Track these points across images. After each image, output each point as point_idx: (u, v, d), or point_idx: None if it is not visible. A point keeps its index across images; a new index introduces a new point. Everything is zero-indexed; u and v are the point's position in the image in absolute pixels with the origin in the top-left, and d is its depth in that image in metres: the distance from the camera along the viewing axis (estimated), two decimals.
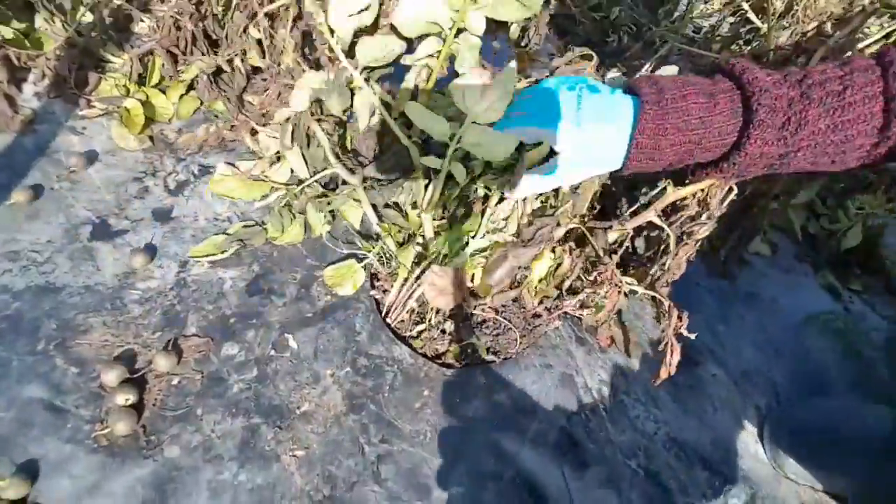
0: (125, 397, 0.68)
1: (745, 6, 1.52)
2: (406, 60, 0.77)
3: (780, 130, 0.55)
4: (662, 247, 0.80)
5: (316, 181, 0.89)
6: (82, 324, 0.74)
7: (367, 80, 0.77)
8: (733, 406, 0.89)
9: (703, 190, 0.69)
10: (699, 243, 0.74)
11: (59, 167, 0.92)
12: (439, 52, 0.73)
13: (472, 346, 0.80)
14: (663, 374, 0.71)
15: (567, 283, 0.80)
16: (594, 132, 0.59)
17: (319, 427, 0.71)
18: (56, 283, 0.78)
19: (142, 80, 1.08)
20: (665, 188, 0.68)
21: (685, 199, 0.70)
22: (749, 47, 1.48)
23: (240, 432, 0.69)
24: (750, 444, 0.87)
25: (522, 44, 1.53)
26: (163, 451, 0.67)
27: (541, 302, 0.82)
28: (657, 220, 0.68)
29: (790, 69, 0.59)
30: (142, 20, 1.16)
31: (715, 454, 0.82)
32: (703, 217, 0.69)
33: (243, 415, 0.70)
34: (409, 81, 0.77)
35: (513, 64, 0.66)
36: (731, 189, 0.69)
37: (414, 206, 0.79)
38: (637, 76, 0.64)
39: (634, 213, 0.70)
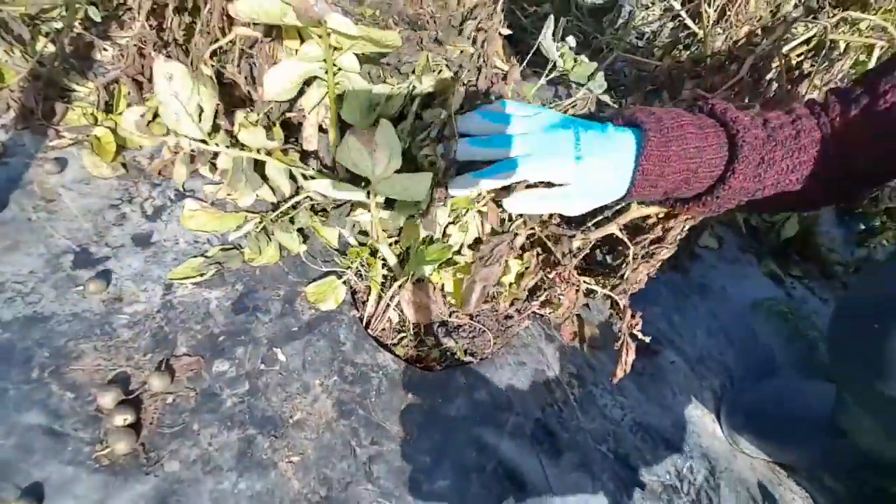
0: (123, 418, 0.71)
1: (683, 13, 1.63)
2: (302, 105, 0.82)
3: (756, 167, 0.61)
4: (625, 259, 0.87)
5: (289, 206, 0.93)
6: (74, 350, 0.77)
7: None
8: (691, 390, 0.97)
9: (665, 214, 0.76)
10: (661, 263, 0.80)
11: (33, 198, 0.93)
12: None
13: (451, 350, 0.86)
14: (619, 374, 0.77)
15: (531, 284, 0.86)
16: (597, 165, 0.62)
17: (312, 433, 0.75)
18: (44, 312, 0.80)
19: (108, 108, 1.10)
20: (629, 204, 0.75)
21: (649, 219, 0.77)
22: (688, 52, 1.59)
23: (236, 443, 0.73)
24: (708, 423, 0.95)
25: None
26: (163, 467, 0.70)
27: (512, 304, 0.88)
28: (619, 234, 0.75)
29: (752, 111, 0.66)
30: (104, 48, 1.18)
31: (676, 434, 0.89)
32: (667, 240, 0.76)
33: (238, 427, 0.74)
34: (309, 125, 0.81)
35: (385, 123, 0.69)
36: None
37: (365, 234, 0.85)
38: (629, 107, 0.68)
39: (598, 225, 0.77)
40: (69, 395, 0.73)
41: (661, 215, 0.76)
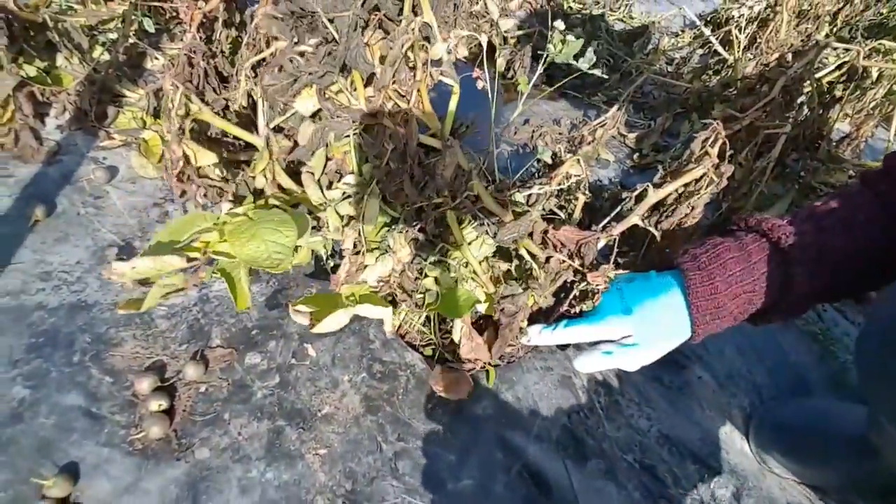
0: (158, 404, 0.73)
1: (713, 40, 1.65)
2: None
3: (817, 263, 0.61)
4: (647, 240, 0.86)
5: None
6: (114, 337, 0.79)
7: None
8: (719, 405, 0.96)
9: (688, 191, 0.76)
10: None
11: (83, 194, 0.97)
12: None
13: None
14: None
15: (555, 288, 0.86)
16: (649, 311, 0.64)
17: (340, 427, 0.76)
18: (87, 300, 0.83)
19: (156, 113, 1.15)
20: (645, 190, 0.75)
21: (669, 200, 0.78)
22: (718, 77, 1.60)
23: (265, 434, 0.74)
24: (736, 440, 0.93)
25: (508, 77, 1.64)
26: (194, 453, 0.71)
27: (539, 310, 0.88)
28: (642, 224, 0.75)
29: (792, 212, 0.67)
30: (155, 58, 1.24)
31: (704, 449, 0.88)
32: (694, 213, 0.76)
33: (268, 418, 0.75)
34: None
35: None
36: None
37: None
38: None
39: (619, 218, 0.77)
40: (108, 380, 0.75)
41: (680, 191, 0.76)
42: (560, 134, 1.39)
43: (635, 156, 1.44)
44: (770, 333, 1.11)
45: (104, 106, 1.11)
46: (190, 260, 0.74)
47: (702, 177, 0.74)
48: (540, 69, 1.12)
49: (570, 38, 1.01)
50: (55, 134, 1.06)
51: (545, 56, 1.07)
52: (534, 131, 1.39)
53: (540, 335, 0.71)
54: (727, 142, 0.73)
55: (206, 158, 0.87)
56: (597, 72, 1.02)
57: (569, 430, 0.82)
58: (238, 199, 0.95)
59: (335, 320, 0.77)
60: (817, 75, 1.34)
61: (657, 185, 0.75)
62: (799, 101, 1.30)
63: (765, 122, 1.15)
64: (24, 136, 1.01)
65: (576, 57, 1.04)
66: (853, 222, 0.62)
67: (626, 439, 0.84)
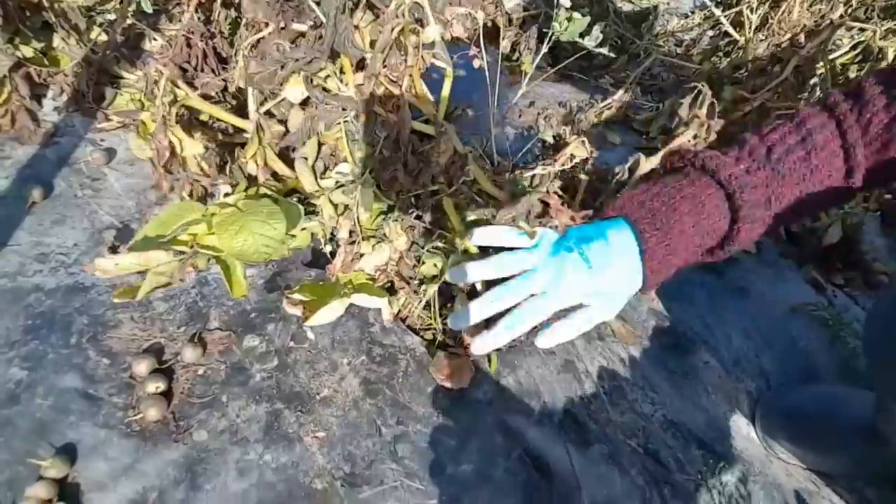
0: (155, 386, 0.72)
1: (723, 20, 1.61)
2: None
3: (764, 210, 0.61)
4: None
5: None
6: (111, 319, 0.79)
7: None
8: (726, 391, 0.94)
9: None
10: None
11: (80, 176, 0.96)
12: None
13: None
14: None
15: None
16: (609, 277, 0.62)
17: (338, 411, 0.75)
18: (85, 282, 0.82)
19: (154, 95, 1.14)
20: (637, 161, 0.74)
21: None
22: (728, 59, 1.57)
23: (264, 417, 0.73)
24: (742, 426, 0.92)
25: (513, 58, 1.61)
26: (192, 435, 0.71)
27: None
28: None
29: (751, 142, 0.64)
30: (153, 39, 1.22)
31: (709, 434, 0.87)
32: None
33: (266, 401, 0.75)
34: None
35: None
36: None
37: None
38: (622, 197, 0.66)
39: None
40: (105, 362, 0.75)
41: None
42: (565, 116, 1.37)
43: (642, 138, 1.41)
44: (778, 319, 1.09)
45: (102, 87, 1.09)
46: (177, 253, 0.73)
47: (693, 138, 0.73)
48: (545, 48, 1.09)
49: (576, 15, 0.98)
50: (52, 115, 1.05)
51: (550, 34, 1.05)
52: (538, 113, 1.37)
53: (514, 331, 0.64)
54: (715, 102, 0.72)
55: (193, 147, 0.84)
56: (603, 50, 1.00)
57: (571, 414, 0.81)
58: (231, 187, 0.93)
59: (329, 312, 0.75)
60: (831, 56, 1.31)
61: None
62: (812, 82, 1.27)
63: (776, 103, 1.12)
64: (20, 118, 1.00)
65: (581, 35, 1.01)
66: (809, 166, 0.61)
67: (629, 424, 0.83)
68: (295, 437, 0.72)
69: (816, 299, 1.16)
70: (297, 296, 0.78)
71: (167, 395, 0.73)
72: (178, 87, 0.82)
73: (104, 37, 1.15)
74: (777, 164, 0.61)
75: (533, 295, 0.63)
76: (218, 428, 0.72)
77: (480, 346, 0.64)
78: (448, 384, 0.79)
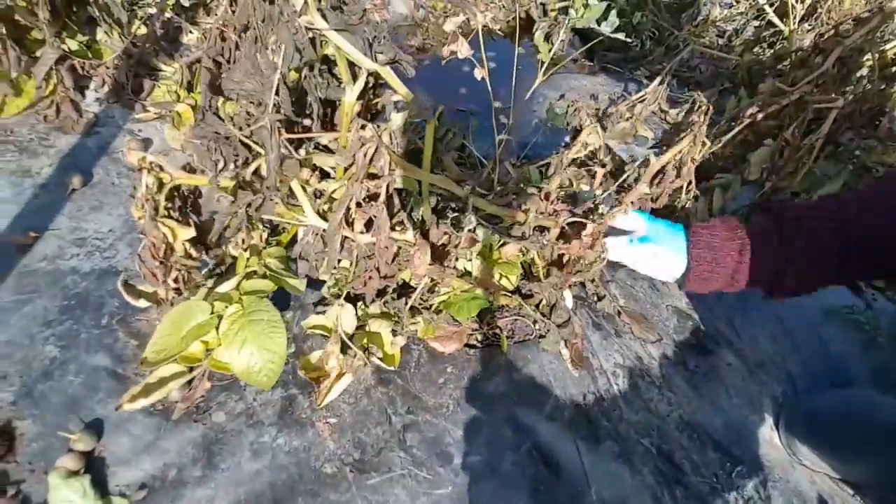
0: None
1: (768, 9, 1.55)
2: None
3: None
4: None
5: None
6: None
7: None
8: (748, 394, 0.92)
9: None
10: None
11: (118, 165, 1.01)
12: None
13: (493, 330, 0.85)
14: None
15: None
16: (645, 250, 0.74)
17: (350, 398, 0.77)
18: (118, 266, 0.86)
19: (190, 87, 1.18)
20: (647, 159, 0.73)
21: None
22: (772, 50, 1.51)
23: (279, 401, 0.76)
24: (764, 430, 0.89)
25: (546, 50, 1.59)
26: (210, 417, 0.74)
27: (547, 274, 0.85)
28: (648, 190, 0.74)
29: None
30: (190, 31, 1.26)
31: (727, 437, 0.85)
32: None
33: (282, 386, 0.77)
34: None
35: None
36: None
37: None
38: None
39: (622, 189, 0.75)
40: (133, 343, 0.78)
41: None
42: (596, 110, 1.35)
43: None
44: (809, 322, 1.05)
45: (140, 79, 1.14)
46: (192, 368, 0.73)
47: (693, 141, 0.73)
48: (562, 35, 1.07)
49: (592, 1, 0.96)
50: (94, 106, 1.10)
51: (566, 20, 1.03)
52: (568, 106, 1.35)
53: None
54: (710, 108, 0.78)
55: (185, 234, 0.76)
56: (620, 35, 0.98)
57: (583, 410, 0.81)
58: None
59: (340, 387, 0.76)
60: (884, 47, 1.24)
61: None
62: (858, 74, 1.21)
63: (816, 96, 1.07)
64: (65, 108, 1.05)
65: (598, 21, 1.00)
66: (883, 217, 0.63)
67: (643, 423, 0.82)
68: (307, 422, 0.74)
69: (853, 302, 1.11)
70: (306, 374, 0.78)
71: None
72: (163, 171, 0.73)
73: (144, 30, 1.20)
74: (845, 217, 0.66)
75: None
76: (235, 410, 0.74)
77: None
78: (436, 344, 0.81)
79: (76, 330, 0.78)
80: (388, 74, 0.64)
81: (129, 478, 0.67)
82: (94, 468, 0.67)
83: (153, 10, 1.23)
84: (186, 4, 1.20)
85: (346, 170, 0.69)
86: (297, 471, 0.70)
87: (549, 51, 1.21)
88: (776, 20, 1.60)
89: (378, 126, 0.62)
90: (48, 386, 0.73)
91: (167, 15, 1.22)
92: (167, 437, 0.71)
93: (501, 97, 1.40)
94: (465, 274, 0.79)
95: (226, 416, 0.74)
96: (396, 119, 0.65)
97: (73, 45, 1.10)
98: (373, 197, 0.64)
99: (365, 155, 0.59)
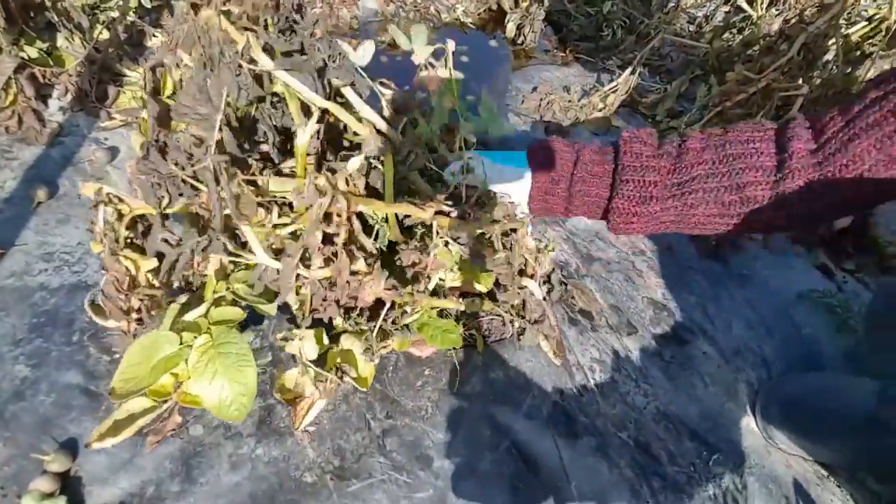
0: None
1: None
2: None
3: (657, 159, 0.68)
4: None
5: None
6: None
7: None
8: (724, 381, 0.93)
9: None
10: None
11: (84, 175, 0.99)
12: None
13: (469, 331, 0.86)
14: None
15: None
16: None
17: (329, 405, 0.77)
18: (87, 280, 0.85)
19: (156, 92, 1.15)
20: None
21: None
22: (741, 36, 1.52)
23: (257, 412, 0.75)
24: (741, 416, 0.91)
25: (518, 42, 1.58)
26: (188, 430, 0.73)
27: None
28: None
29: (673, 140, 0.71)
30: (154, 35, 1.24)
31: (703, 426, 0.86)
32: None
33: (259, 395, 0.77)
34: None
35: None
36: None
37: None
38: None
39: None
40: (105, 359, 0.77)
41: None
42: (569, 102, 1.35)
43: (648, 122, 1.38)
44: (782, 307, 1.07)
45: (104, 86, 1.11)
46: (161, 401, 0.70)
47: None
48: (534, 27, 1.07)
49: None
50: (58, 115, 1.07)
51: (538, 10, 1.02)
52: (541, 100, 1.35)
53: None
54: None
55: (148, 265, 0.72)
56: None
57: (560, 407, 0.81)
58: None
59: (316, 410, 0.76)
60: (850, 30, 1.26)
61: None
62: (824, 59, 1.22)
63: (782, 83, 1.08)
64: (27, 119, 1.02)
65: None
66: (724, 149, 0.64)
67: (620, 416, 0.83)
68: (286, 432, 0.74)
69: (825, 286, 1.13)
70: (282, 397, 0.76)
71: None
72: (122, 202, 0.69)
73: (106, 34, 1.17)
74: (681, 152, 0.66)
75: None
76: (213, 423, 0.74)
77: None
78: (413, 349, 0.81)
79: (46, 348, 0.77)
80: (340, 112, 0.63)
81: (107, 497, 0.66)
82: (70, 489, 0.66)
83: (115, 14, 1.20)
84: (149, 6, 1.18)
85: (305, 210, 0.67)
86: (278, 480, 0.70)
87: (521, 42, 1.20)
88: (745, 5, 1.61)
89: (334, 173, 0.61)
90: (19, 406, 0.72)
91: (130, 18, 1.20)
92: (144, 453, 0.71)
93: (474, 91, 1.40)
94: (436, 294, 0.77)
95: (203, 428, 0.74)
96: (353, 163, 0.62)
97: (32, 52, 1.07)
98: (330, 239, 0.62)
99: (320, 206, 0.58)
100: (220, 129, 0.56)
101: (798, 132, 0.61)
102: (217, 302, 0.72)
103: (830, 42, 1.15)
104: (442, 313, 0.80)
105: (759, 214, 0.64)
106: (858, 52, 1.25)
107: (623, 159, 0.69)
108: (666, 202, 0.68)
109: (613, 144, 0.73)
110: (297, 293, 0.68)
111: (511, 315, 0.83)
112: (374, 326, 0.73)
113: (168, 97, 1.14)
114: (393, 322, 0.75)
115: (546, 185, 0.76)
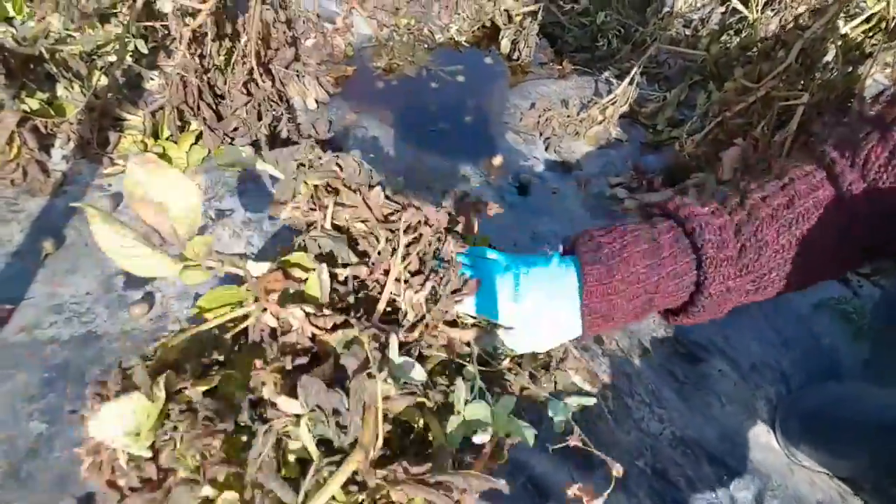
0: None
1: None
2: None
3: (739, 260, 0.53)
4: None
5: None
6: None
7: None
8: (742, 399, 0.92)
9: None
10: None
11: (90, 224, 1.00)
12: None
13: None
14: None
15: None
16: (534, 305, 0.57)
17: None
18: (97, 331, 0.85)
19: (156, 135, 1.16)
20: None
21: None
22: (738, 38, 1.51)
23: None
24: (761, 435, 0.89)
25: (514, 57, 1.58)
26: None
27: None
28: None
29: (728, 192, 0.58)
30: (151, 78, 1.25)
31: (722, 448, 0.85)
32: None
33: None
34: None
35: None
36: None
37: None
38: (577, 235, 0.60)
39: None
40: None
41: None
42: (568, 117, 1.34)
43: (649, 132, 1.37)
44: (800, 319, 1.05)
45: (105, 132, 1.12)
46: None
47: None
48: (529, 41, 1.07)
49: None
50: (61, 164, 1.08)
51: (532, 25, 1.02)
52: (539, 116, 1.34)
53: None
54: None
55: None
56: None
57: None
58: None
59: None
60: (848, 26, 1.24)
61: None
62: (823, 61, 1.21)
63: (782, 91, 1.07)
64: (31, 171, 1.03)
65: None
66: (794, 213, 0.52)
67: (636, 444, 0.81)
68: None
69: (840, 292, 1.11)
70: None
71: None
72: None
73: (104, 80, 1.18)
74: (753, 209, 0.54)
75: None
76: None
77: None
78: None
79: (59, 403, 0.77)
80: None
81: None
82: None
83: (112, 59, 1.21)
84: (145, 51, 1.19)
85: None
86: None
87: (517, 58, 1.20)
88: (740, 6, 1.60)
89: None
90: (35, 465, 0.72)
91: (127, 62, 1.21)
92: None
93: (471, 110, 1.40)
94: None
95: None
96: None
97: (33, 104, 1.09)
98: None
99: None
100: None
101: (845, 173, 0.55)
102: None
103: (828, 44, 1.14)
104: None
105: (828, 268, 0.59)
106: (858, 52, 1.23)
107: (707, 271, 0.54)
108: (741, 299, 0.59)
109: (691, 245, 0.55)
110: None
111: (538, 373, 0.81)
112: None
113: (167, 138, 1.15)
114: None
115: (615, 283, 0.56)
